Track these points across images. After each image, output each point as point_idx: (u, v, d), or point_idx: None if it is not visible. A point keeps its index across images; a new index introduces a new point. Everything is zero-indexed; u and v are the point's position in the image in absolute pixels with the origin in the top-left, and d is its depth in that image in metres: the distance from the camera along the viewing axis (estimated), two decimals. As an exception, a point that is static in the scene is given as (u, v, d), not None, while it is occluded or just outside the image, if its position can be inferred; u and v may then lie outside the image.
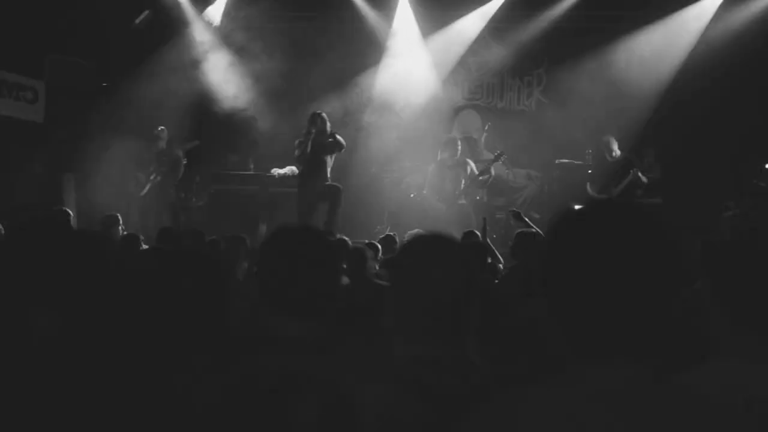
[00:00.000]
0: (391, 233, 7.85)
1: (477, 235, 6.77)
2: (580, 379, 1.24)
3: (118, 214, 7.57)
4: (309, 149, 9.19)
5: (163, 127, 10.56)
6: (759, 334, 1.76)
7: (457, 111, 12.23)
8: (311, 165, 9.33)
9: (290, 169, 10.64)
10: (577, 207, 1.32)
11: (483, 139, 11.82)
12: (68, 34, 10.44)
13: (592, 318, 1.24)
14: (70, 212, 7.98)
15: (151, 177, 10.30)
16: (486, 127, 11.72)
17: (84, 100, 10.86)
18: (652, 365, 1.23)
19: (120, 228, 7.37)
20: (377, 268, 5.40)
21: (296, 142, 9.51)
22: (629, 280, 1.23)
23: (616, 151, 9.91)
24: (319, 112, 9.47)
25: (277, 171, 11.04)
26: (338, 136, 9.33)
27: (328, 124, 9.36)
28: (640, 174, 9.66)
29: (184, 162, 10.66)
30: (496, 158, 10.15)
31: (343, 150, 9.42)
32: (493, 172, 9.97)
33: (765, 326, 1.76)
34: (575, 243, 1.27)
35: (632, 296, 1.23)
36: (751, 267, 1.81)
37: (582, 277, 1.25)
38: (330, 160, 9.41)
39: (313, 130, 9.22)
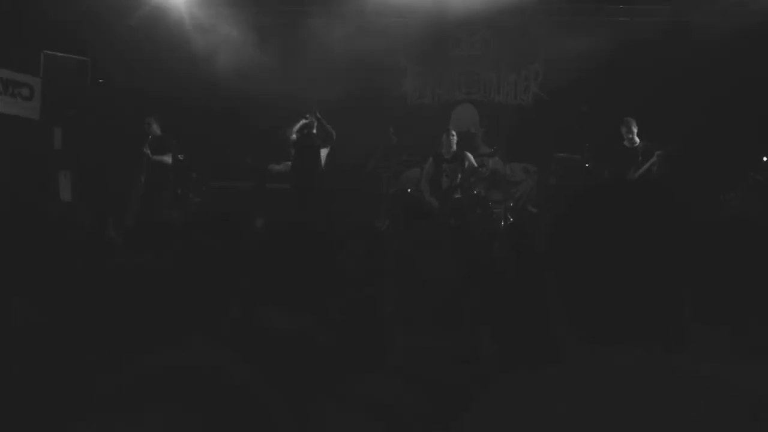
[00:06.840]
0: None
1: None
2: (587, 363, 1.22)
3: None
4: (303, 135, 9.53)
5: (152, 117, 10.39)
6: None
7: (454, 105, 12.20)
8: (304, 156, 9.56)
9: (286, 165, 10.61)
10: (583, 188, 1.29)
11: (480, 134, 11.81)
12: (64, 30, 10.38)
13: (601, 301, 1.22)
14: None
15: (142, 176, 10.16)
16: (481, 124, 11.73)
17: (80, 97, 10.79)
18: (661, 349, 1.21)
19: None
20: None
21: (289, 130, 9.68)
22: (640, 261, 1.20)
23: (636, 138, 9.39)
24: (316, 101, 9.66)
25: (274, 167, 11.02)
26: (328, 126, 9.59)
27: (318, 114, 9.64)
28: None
29: (181, 158, 10.56)
30: (491, 155, 10.14)
31: (333, 138, 9.64)
32: (491, 165, 9.97)
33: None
34: (583, 223, 1.25)
35: (643, 278, 1.20)
36: None
37: (591, 258, 1.22)
38: (323, 152, 9.61)
39: (308, 116, 9.52)
